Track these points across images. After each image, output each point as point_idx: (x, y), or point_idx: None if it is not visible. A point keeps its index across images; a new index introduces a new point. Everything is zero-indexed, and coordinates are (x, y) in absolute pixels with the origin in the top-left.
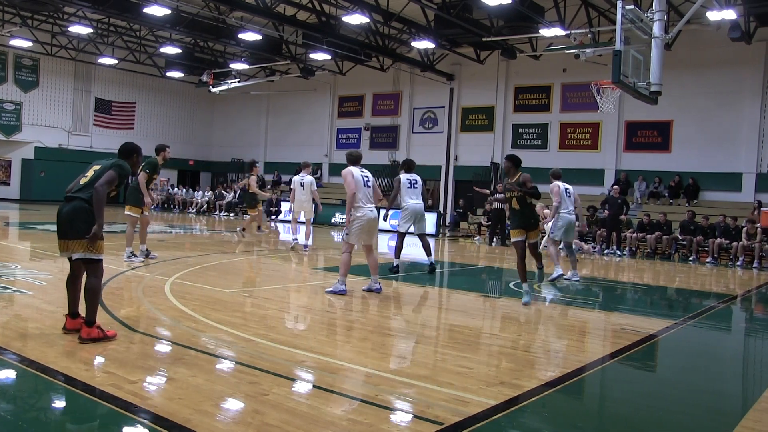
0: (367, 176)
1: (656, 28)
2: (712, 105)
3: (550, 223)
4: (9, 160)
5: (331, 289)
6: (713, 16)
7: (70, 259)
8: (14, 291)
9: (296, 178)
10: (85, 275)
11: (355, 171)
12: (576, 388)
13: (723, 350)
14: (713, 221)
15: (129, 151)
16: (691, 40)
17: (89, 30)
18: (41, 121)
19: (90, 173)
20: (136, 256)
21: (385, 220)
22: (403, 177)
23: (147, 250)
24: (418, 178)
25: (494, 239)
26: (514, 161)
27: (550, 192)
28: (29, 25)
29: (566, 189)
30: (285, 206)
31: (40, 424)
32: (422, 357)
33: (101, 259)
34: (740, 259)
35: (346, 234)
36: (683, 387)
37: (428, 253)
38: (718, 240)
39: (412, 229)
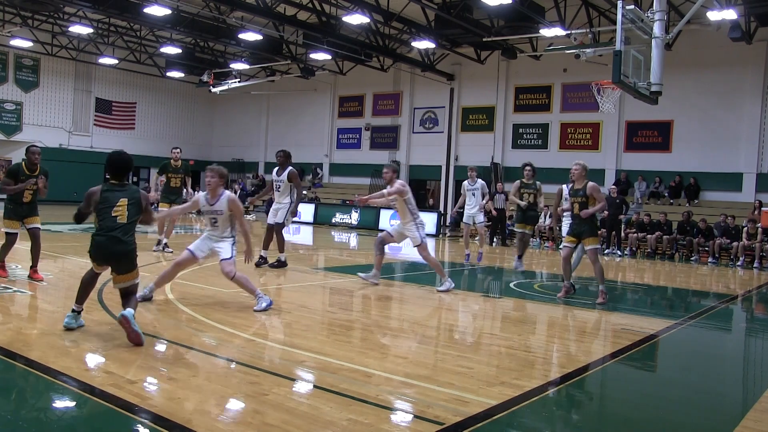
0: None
1: (656, 28)
2: (713, 105)
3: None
4: (9, 160)
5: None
6: (713, 16)
7: None
8: (14, 291)
9: (466, 184)
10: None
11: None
12: (576, 388)
13: (723, 350)
14: (713, 221)
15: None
16: (692, 40)
17: (89, 30)
18: (42, 121)
19: None
20: (159, 243)
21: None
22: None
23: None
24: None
25: (495, 239)
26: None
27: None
28: (30, 25)
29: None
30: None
31: (41, 424)
32: (422, 357)
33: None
34: (741, 259)
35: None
36: (683, 387)
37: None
38: (719, 240)
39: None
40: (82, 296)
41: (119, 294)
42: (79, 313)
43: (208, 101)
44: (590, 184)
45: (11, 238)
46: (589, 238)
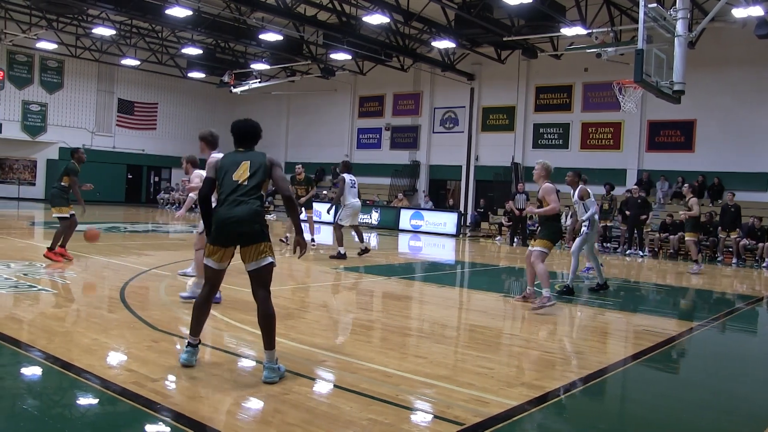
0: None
1: (679, 27)
2: (737, 104)
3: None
4: (34, 161)
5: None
6: (739, 13)
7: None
8: (39, 289)
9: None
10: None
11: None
12: (597, 390)
13: (748, 353)
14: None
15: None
16: (715, 37)
17: (112, 32)
18: (65, 121)
19: None
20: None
21: (328, 213)
22: (348, 177)
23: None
24: (355, 179)
25: (515, 239)
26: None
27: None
28: (54, 28)
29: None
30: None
31: (65, 420)
32: (442, 357)
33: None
34: (765, 260)
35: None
36: (707, 390)
37: (362, 239)
38: (743, 241)
39: (351, 222)
40: (195, 326)
41: (253, 291)
42: (195, 346)
43: (229, 102)
44: (543, 185)
45: (68, 222)
46: (537, 240)
